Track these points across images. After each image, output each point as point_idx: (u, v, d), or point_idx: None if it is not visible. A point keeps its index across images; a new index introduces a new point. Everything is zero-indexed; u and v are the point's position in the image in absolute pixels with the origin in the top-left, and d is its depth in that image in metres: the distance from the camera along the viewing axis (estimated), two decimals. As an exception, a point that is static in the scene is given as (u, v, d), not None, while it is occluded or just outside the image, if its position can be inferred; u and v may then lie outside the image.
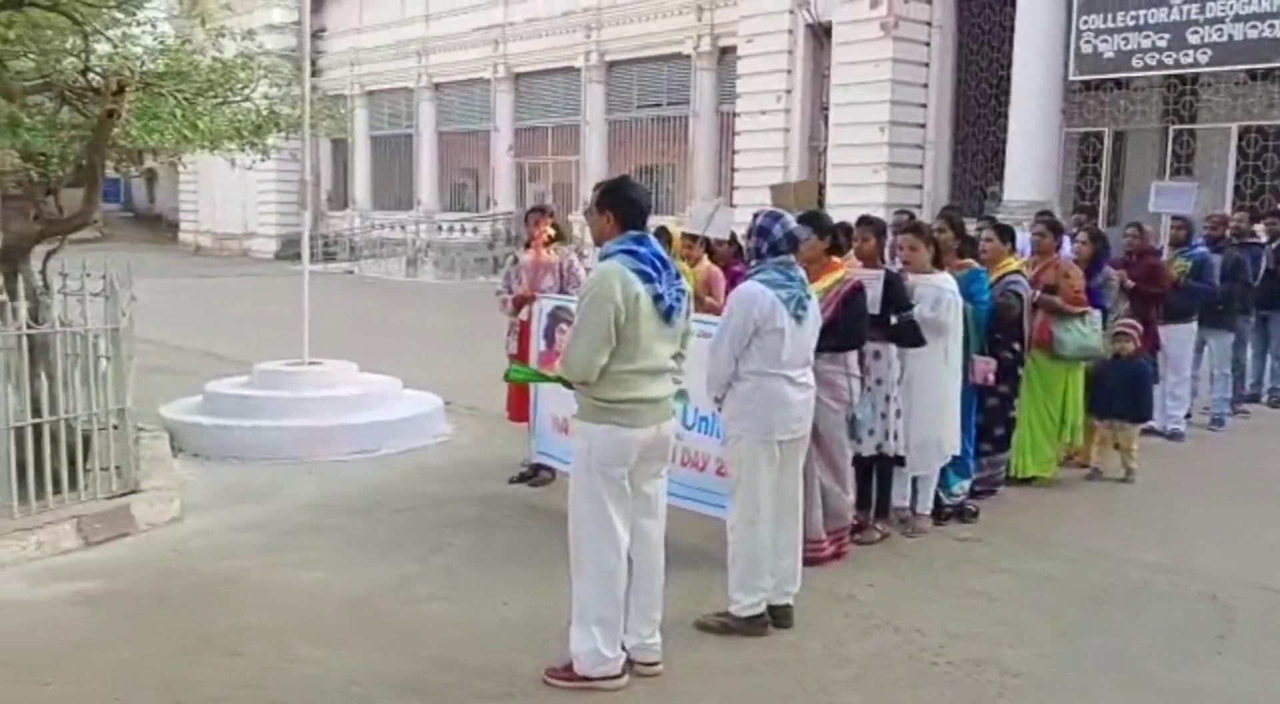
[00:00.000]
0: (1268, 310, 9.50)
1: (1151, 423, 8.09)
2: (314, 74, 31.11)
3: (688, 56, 22.29)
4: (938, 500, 5.90)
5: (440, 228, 27.05)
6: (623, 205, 3.68)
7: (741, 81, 19.72)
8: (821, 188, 18.58)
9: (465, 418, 8.38)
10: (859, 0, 17.20)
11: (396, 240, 27.55)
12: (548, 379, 3.94)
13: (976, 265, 6.14)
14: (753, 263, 4.37)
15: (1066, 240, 7.60)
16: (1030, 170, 16.32)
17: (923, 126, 17.69)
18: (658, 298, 3.59)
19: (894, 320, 5.43)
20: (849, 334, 5.07)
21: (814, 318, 4.35)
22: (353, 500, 6.19)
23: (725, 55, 21.19)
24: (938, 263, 5.75)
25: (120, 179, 38.38)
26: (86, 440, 5.69)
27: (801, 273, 4.36)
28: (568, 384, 3.69)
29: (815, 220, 5.25)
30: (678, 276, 3.74)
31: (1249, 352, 9.58)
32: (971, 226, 6.94)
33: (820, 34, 18.37)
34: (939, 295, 5.52)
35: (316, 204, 31.70)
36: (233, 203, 31.57)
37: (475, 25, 26.33)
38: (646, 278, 3.58)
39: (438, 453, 7.40)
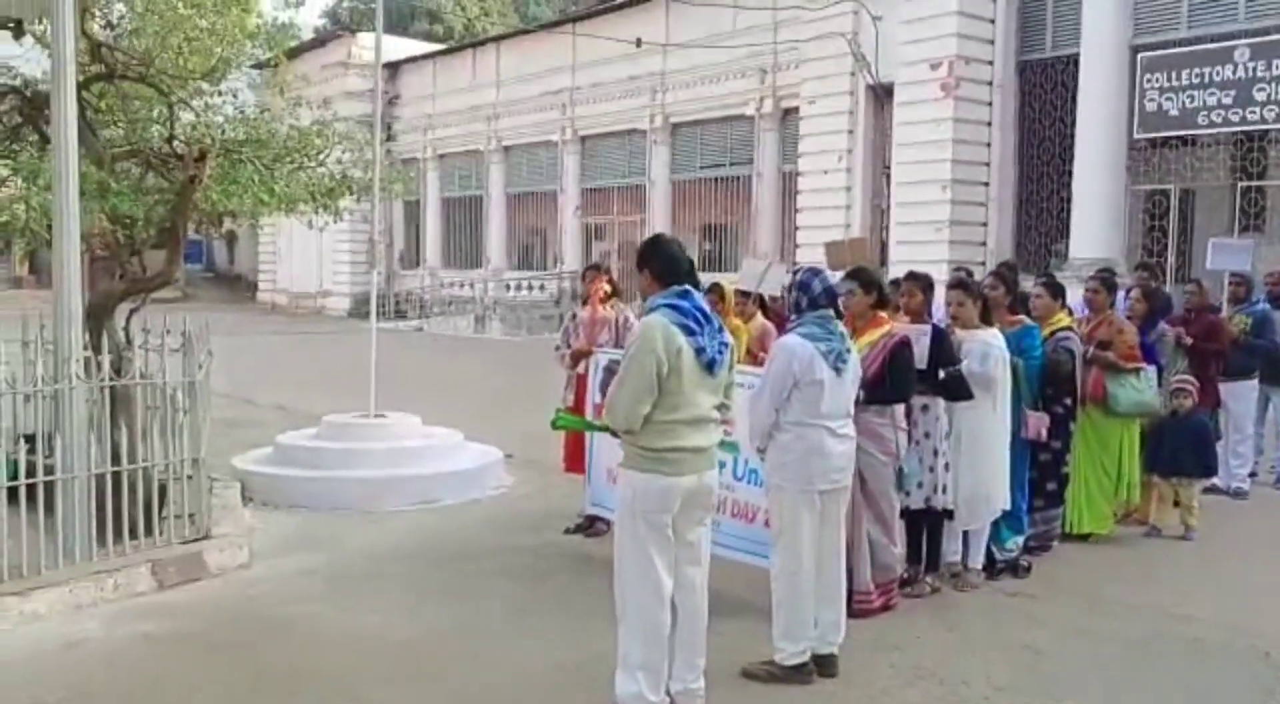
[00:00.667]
0: (1336, 368, 9.34)
1: (1215, 480, 8.01)
2: (388, 139, 32.33)
3: (750, 117, 22.62)
4: (990, 555, 5.91)
5: (508, 286, 27.59)
6: (659, 262, 3.86)
7: (804, 142, 19.97)
8: (884, 245, 18.70)
9: (525, 470, 8.55)
10: (919, 62, 17.40)
11: (465, 298, 28.13)
12: (594, 427, 4.11)
13: (1029, 321, 6.20)
14: (793, 317, 4.51)
15: (1121, 296, 7.60)
16: (1095, 228, 16.25)
17: (985, 184, 17.72)
18: (700, 350, 3.74)
19: (941, 374, 5.50)
20: (895, 387, 5.17)
21: (854, 370, 4.47)
22: (413, 548, 6.38)
23: (788, 116, 21.49)
24: (986, 318, 5.82)
25: (202, 241, 39.91)
26: (163, 489, 5.96)
27: (841, 327, 4.49)
28: (614, 432, 3.85)
29: (861, 276, 5.38)
30: (720, 330, 3.89)
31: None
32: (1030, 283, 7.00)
33: (881, 94, 18.58)
34: (986, 350, 5.59)
35: (390, 263, 32.58)
36: (308, 263, 32.54)
37: (544, 90, 27.03)
38: (689, 331, 3.73)
39: (497, 504, 7.58)
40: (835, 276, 5.46)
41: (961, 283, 5.87)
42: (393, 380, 14.02)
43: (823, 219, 19.28)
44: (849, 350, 4.44)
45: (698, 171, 24.48)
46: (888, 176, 18.62)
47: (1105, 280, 6.85)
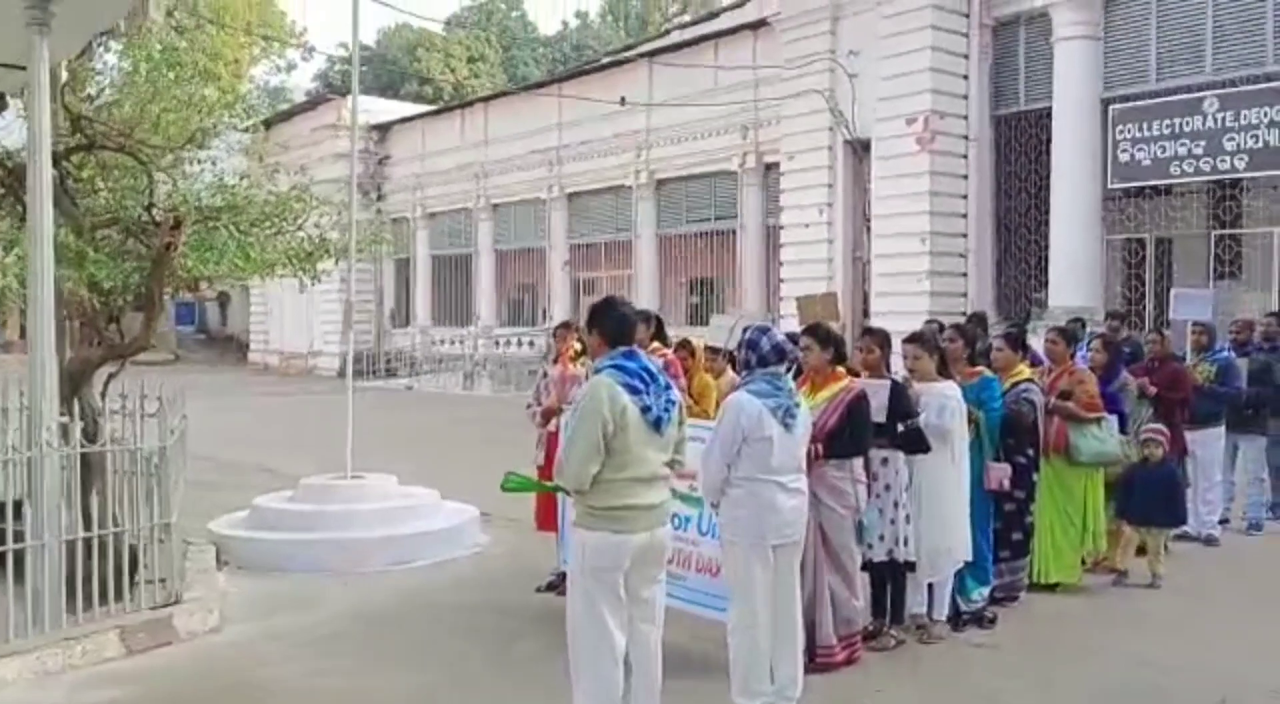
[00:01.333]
0: (1309, 413, 9.45)
1: (1187, 528, 8.07)
2: (379, 198, 32.67)
3: (734, 172, 22.94)
4: (956, 607, 5.96)
5: (497, 342, 27.73)
6: (608, 324, 3.97)
7: (785, 196, 20.23)
8: (866, 297, 18.89)
9: (503, 529, 8.58)
10: (895, 118, 17.72)
11: (455, 355, 28.25)
12: (545, 488, 4.19)
13: (988, 373, 6.30)
14: (743, 374, 4.61)
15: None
16: (1073, 277, 16.45)
17: (964, 236, 17.94)
18: (646, 409, 3.84)
19: (900, 428, 5.59)
20: (853, 441, 5.25)
21: (804, 426, 4.56)
22: (385, 610, 6.41)
23: (770, 171, 21.77)
24: (945, 371, 5.93)
25: (194, 303, 40.12)
26: (134, 553, 6.00)
27: (790, 383, 4.59)
28: (565, 491, 3.93)
29: (818, 332, 5.50)
30: (668, 388, 3.99)
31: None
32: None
33: (859, 149, 18.87)
34: (943, 403, 5.68)
35: (379, 322, 32.76)
36: (299, 323, 32.70)
37: (531, 148, 27.39)
38: (634, 390, 3.83)
39: (472, 563, 7.61)
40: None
41: (917, 336, 5.98)
42: (377, 440, 14.13)
43: (805, 272, 19.47)
44: (798, 405, 4.54)
45: (684, 226, 24.75)
46: (868, 229, 18.86)
47: (1064, 331, 6.98)
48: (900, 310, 15.55)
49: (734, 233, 23.18)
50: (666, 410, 3.93)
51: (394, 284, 33.18)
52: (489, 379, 25.75)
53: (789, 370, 4.74)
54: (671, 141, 24.01)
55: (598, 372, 3.91)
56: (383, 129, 32.55)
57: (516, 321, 29.18)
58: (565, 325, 7.28)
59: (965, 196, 17.90)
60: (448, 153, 30.13)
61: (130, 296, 7.22)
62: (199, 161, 7.95)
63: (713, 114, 22.67)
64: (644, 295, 24.95)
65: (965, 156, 17.84)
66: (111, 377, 7.01)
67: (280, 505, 7.93)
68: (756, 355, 4.56)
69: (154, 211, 7.11)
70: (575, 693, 3.95)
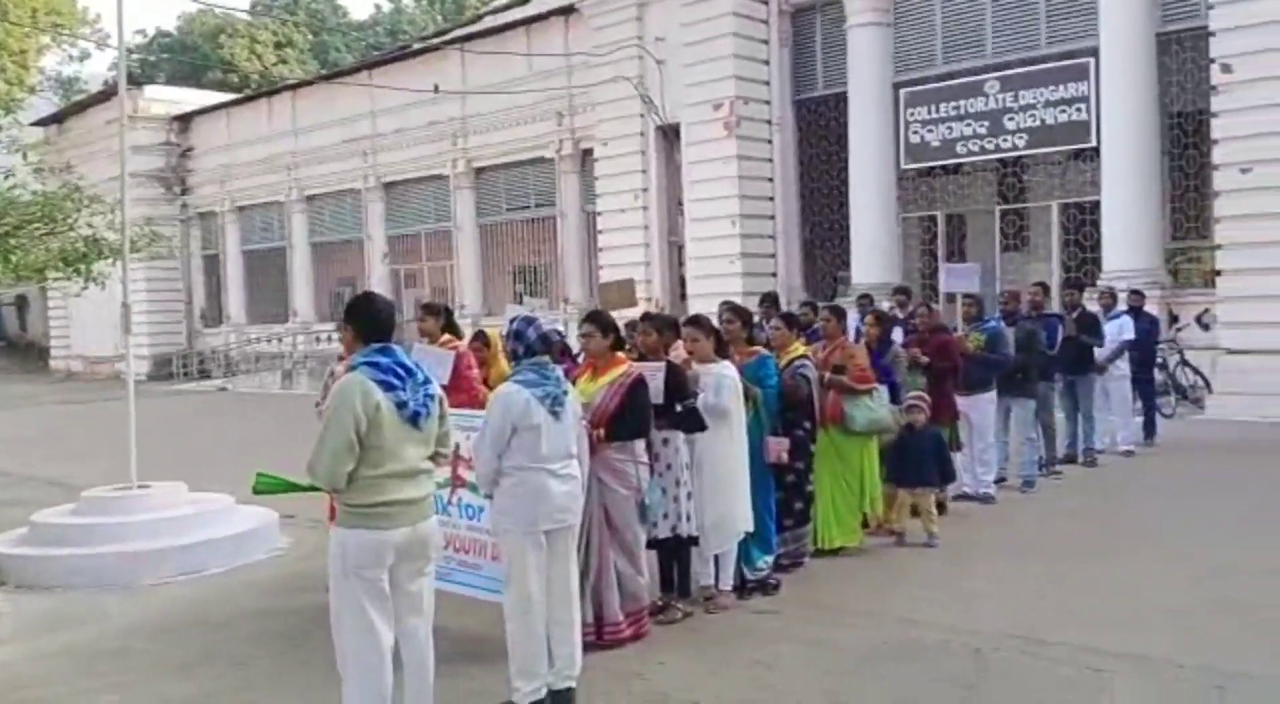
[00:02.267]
0: (1073, 375, 10.21)
1: (965, 488, 8.61)
2: (184, 192, 31.32)
3: (551, 160, 22.98)
4: (742, 576, 6.20)
5: (317, 338, 27.02)
6: (362, 320, 3.96)
7: (601, 182, 20.45)
8: (683, 280, 19.28)
9: (307, 531, 8.40)
10: (702, 103, 18.11)
11: (273, 354, 27.38)
12: (300, 488, 4.15)
13: (764, 352, 6.55)
14: (512, 364, 4.68)
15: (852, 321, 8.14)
16: (873, 255, 17.24)
17: (771, 218, 18.55)
18: (401, 405, 3.85)
19: (678, 408, 5.76)
20: (634, 423, 5.39)
21: (572, 413, 4.66)
22: (169, 622, 6.21)
23: (587, 158, 21.91)
24: (722, 352, 6.14)
25: (-11, 308, 37.58)
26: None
27: (558, 371, 4.69)
28: (319, 490, 3.90)
29: (599, 319, 5.61)
30: (426, 382, 4.01)
31: (1060, 415, 10.22)
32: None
33: (670, 135, 19.21)
34: (720, 383, 5.89)
35: (190, 322, 31.41)
36: (103, 326, 30.89)
37: (343, 137, 26.75)
38: (388, 386, 3.84)
39: (267, 567, 7.45)
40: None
41: (694, 320, 6.18)
42: (181, 445, 13.62)
43: (623, 257, 19.73)
44: (566, 393, 4.63)
45: (504, 214, 24.66)
46: (681, 213, 19.24)
47: (835, 309, 7.33)
48: (714, 292, 15.93)
49: (554, 220, 23.25)
50: (425, 405, 3.94)
51: (204, 282, 31.88)
52: (309, 377, 25.05)
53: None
54: (488, 129, 23.87)
55: (351, 368, 3.89)
56: (185, 120, 31.19)
57: (337, 316, 28.41)
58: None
59: (771, 180, 18.50)
60: (256, 143, 29.12)
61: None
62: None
63: (528, 101, 22.66)
64: (467, 285, 24.80)
65: (770, 141, 18.42)
66: None
67: (61, 520, 7.57)
68: (524, 345, 4.63)
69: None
70: (344, 690, 3.94)
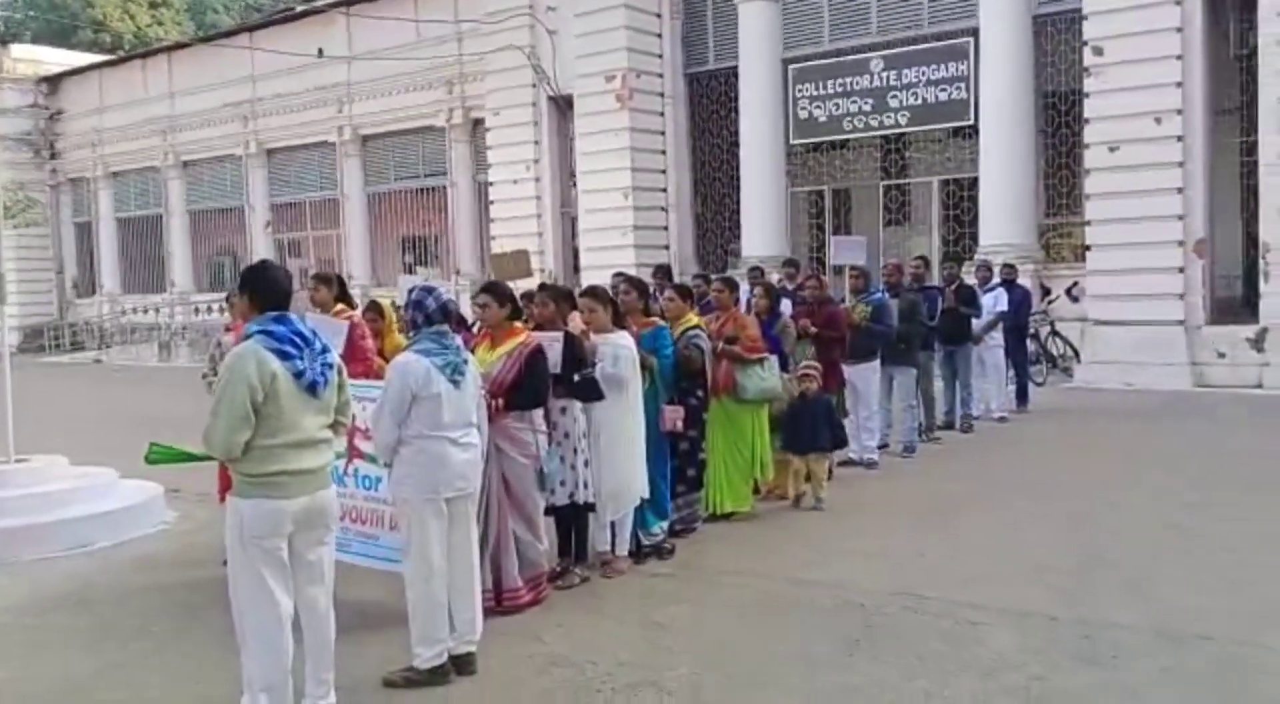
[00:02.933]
0: (952, 345, 10.62)
1: (850, 454, 8.91)
2: (53, 156, 29.92)
3: (442, 129, 22.68)
4: (638, 541, 6.34)
5: (196, 309, 26.23)
6: (258, 287, 3.93)
7: (492, 152, 20.29)
8: (576, 252, 19.30)
9: (194, 504, 8.24)
10: (595, 74, 18.08)
11: (149, 325, 26.48)
12: (195, 458, 4.10)
13: (661, 322, 6.67)
14: (411, 334, 4.69)
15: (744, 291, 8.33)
16: (763, 228, 17.53)
17: (665, 191, 18.67)
18: (298, 374, 3.83)
19: (576, 378, 5.84)
20: (532, 393, 5.46)
21: (473, 381, 4.70)
22: (55, 598, 6.05)
23: (478, 127, 21.70)
24: (618, 322, 6.24)
25: None
26: None
27: (458, 341, 4.71)
28: (214, 459, 3.87)
29: (495, 290, 5.64)
30: (324, 351, 4.00)
31: (939, 384, 10.63)
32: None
33: (563, 106, 19.16)
34: (617, 352, 5.99)
35: (62, 292, 30.14)
36: (-35, 296, 29.56)
37: (223, 101, 25.90)
38: (285, 355, 3.81)
39: (155, 542, 7.30)
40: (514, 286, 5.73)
41: (591, 291, 6.25)
42: (57, 419, 13.14)
43: (515, 228, 19.65)
44: (466, 362, 4.67)
45: (393, 183, 24.27)
46: (574, 185, 19.23)
47: (728, 281, 7.49)
48: (607, 264, 16.01)
49: (445, 190, 22.99)
50: (323, 374, 3.93)
51: (76, 250, 30.61)
52: (188, 348, 24.34)
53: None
54: (375, 96, 23.41)
55: (246, 337, 3.86)
56: (54, 81, 29.80)
57: (217, 287, 27.61)
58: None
59: (664, 152, 18.61)
60: (130, 107, 28.01)
61: None
62: None
63: (416, 68, 22.29)
64: (354, 255, 24.37)
65: (662, 113, 18.52)
66: None
67: (-69, 497, 7.26)
68: (423, 314, 4.64)
69: None
70: (243, 658, 3.93)
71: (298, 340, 3.87)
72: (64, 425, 12.34)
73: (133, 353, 25.17)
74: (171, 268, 27.87)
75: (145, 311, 27.29)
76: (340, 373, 4.09)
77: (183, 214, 27.81)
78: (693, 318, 6.89)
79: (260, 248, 25.80)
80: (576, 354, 5.84)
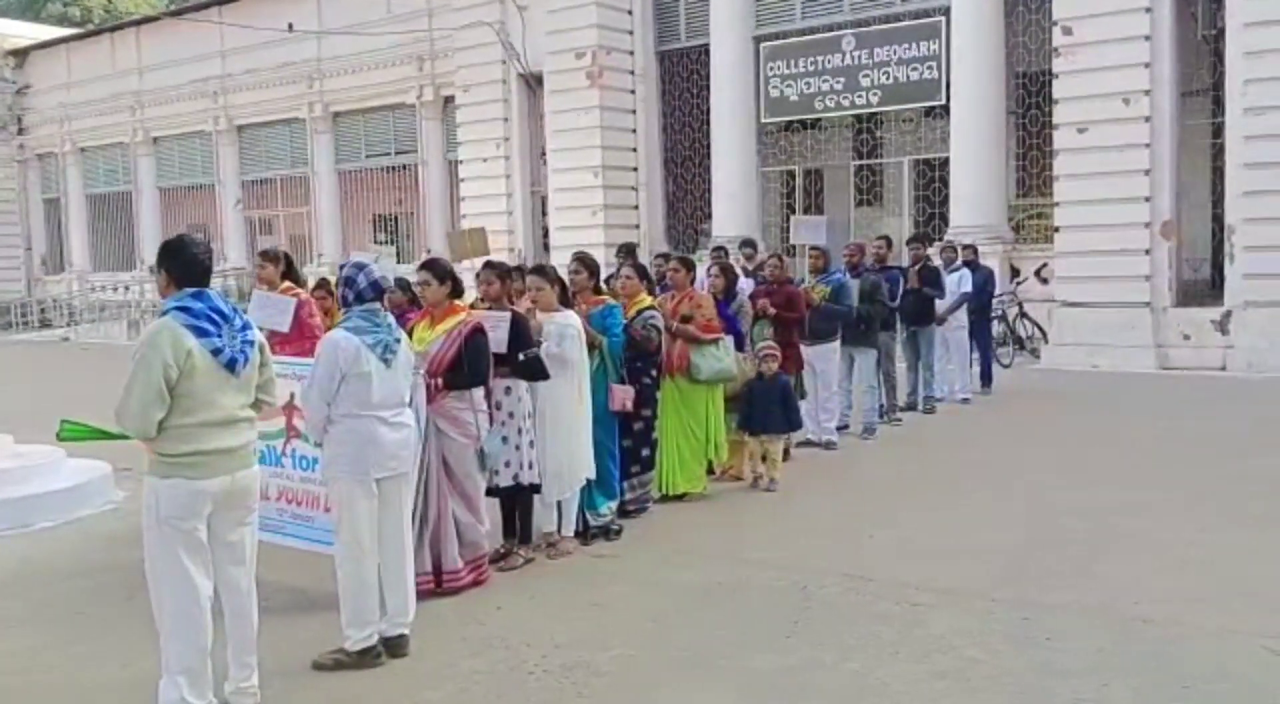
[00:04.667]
0: (915, 326, 10.59)
1: (809, 435, 8.87)
2: (20, 132, 29.49)
3: (412, 106, 22.44)
4: (585, 522, 6.29)
5: (167, 287, 25.91)
6: (176, 263, 3.83)
7: (462, 130, 20.11)
8: (546, 230, 19.17)
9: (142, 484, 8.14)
10: (565, 51, 17.91)
11: (119, 302, 26.19)
12: (110, 436, 4.02)
13: (611, 301, 6.60)
14: (343, 311, 4.61)
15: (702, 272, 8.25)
16: (734, 208, 17.42)
17: (635, 169, 18.54)
18: (217, 351, 3.75)
19: (521, 357, 5.77)
20: (471, 372, 5.37)
21: (405, 360, 4.62)
22: (-9, 578, 5.97)
23: (448, 104, 21.47)
24: (567, 301, 6.17)
25: None
26: None
27: (390, 319, 4.63)
28: (128, 438, 3.79)
29: (435, 267, 5.55)
30: (244, 328, 3.90)
31: (901, 365, 10.61)
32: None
33: (533, 83, 18.99)
34: (564, 332, 5.92)
35: (30, 269, 29.80)
36: (-67, 272, 29.23)
37: (192, 77, 25.56)
38: (202, 332, 3.72)
39: (102, 521, 7.20)
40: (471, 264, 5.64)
41: (539, 269, 6.18)
42: (15, 397, 12.97)
43: (485, 206, 19.52)
44: (398, 341, 4.59)
45: (363, 160, 24.02)
46: (544, 163, 19.08)
47: (684, 260, 7.42)
48: (577, 243, 15.85)
49: (416, 167, 22.77)
50: (243, 351, 3.84)
51: (44, 226, 30.24)
52: (157, 326, 24.05)
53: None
54: (346, 72, 23.13)
55: (162, 314, 3.77)
56: (21, 55, 29.34)
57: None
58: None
59: (634, 131, 18.46)
60: (99, 81, 27.61)
61: None
62: None
63: (387, 44, 22.04)
64: (325, 233, 24.17)
65: (633, 92, 18.36)
66: None
67: (-128, 475, 7.14)
68: (354, 292, 4.55)
69: None
70: (161, 641, 3.86)
71: (215, 317, 3.78)
72: (19, 404, 12.17)
73: (101, 331, 24.88)
74: (141, 245, 27.54)
75: (114, 289, 26.98)
76: (263, 351, 4.00)
77: (152, 190, 27.50)
78: (646, 298, 6.82)
79: (230, 225, 25.56)
80: (522, 333, 5.77)
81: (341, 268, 4.65)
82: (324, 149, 24.08)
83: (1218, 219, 14.87)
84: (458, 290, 5.59)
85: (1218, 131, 14.38)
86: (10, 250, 29.70)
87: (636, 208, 18.63)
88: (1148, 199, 13.90)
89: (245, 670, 4.01)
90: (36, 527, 6.97)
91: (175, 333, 3.68)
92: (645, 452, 6.78)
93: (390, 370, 4.51)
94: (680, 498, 7.14)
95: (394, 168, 23.44)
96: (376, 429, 4.45)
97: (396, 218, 24.34)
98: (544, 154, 19.06)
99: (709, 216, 18.07)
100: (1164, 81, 13.85)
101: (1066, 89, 14.28)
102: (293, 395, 5.32)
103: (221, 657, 3.98)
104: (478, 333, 5.42)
